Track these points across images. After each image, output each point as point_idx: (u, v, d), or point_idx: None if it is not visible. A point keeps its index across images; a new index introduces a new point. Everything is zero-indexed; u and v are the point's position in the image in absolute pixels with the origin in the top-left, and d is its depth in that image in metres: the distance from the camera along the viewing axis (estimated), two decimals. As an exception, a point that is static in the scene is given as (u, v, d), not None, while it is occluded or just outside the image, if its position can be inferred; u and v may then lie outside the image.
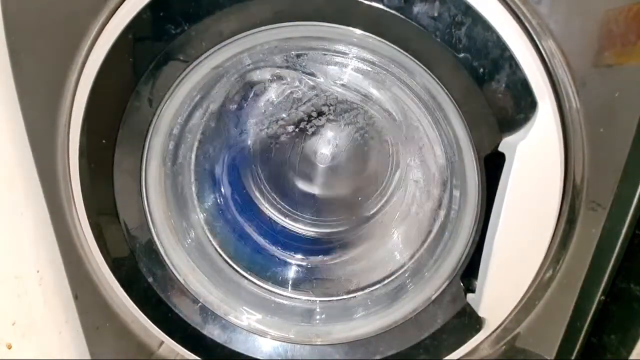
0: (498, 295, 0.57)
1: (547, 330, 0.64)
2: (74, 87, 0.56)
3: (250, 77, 0.72)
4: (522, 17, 0.47)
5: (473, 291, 0.59)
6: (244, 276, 0.79)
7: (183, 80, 0.57)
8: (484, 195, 0.55)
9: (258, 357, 0.71)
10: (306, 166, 0.86)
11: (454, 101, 0.51)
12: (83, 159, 0.58)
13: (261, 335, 0.72)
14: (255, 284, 0.79)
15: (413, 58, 0.50)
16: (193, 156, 0.75)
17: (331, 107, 0.76)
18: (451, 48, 0.47)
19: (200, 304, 0.71)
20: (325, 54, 0.64)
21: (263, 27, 0.52)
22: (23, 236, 0.66)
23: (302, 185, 0.88)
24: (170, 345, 0.71)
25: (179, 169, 0.72)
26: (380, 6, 0.47)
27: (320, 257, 0.86)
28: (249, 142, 0.83)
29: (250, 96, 0.76)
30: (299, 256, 0.86)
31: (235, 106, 0.76)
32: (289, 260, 0.85)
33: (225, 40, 0.53)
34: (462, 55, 0.47)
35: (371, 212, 0.87)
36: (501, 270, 0.54)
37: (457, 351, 0.65)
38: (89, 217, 0.62)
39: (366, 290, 0.77)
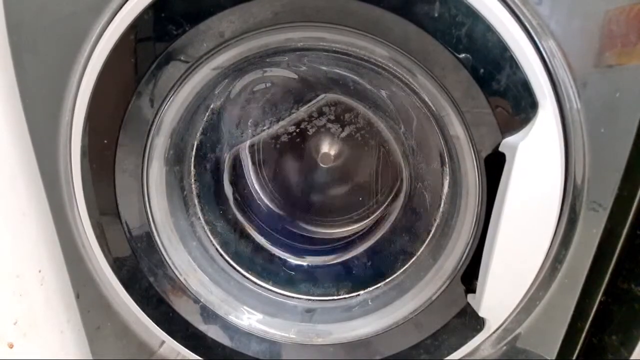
0: (499, 296, 0.57)
1: (548, 331, 0.64)
2: (76, 87, 0.56)
3: (251, 77, 0.72)
4: (522, 18, 0.47)
5: (474, 291, 0.59)
6: (244, 276, 0.79)
7: (184, 81, 0.57)
8: (485, 196, 0.55)
9: (258, 357, 0.71)
10: (307, 166, 0.86)
11: (454, 101, 0.52)
12: (85, 159, 0.59)
13: (262, 335, 0.72)
14: (256, 283, 0.79)
15: (413, 58, 0.51)
16: (194, 156, 0.75)
17: (332, 108, 0.76)
18: (451, 48, 0.47)
19: (201, 304, 0.71)
20: (325, 55, 0.64)
21: (264, 28, 0.52)
22: (25, 236, 0.66)
23: (303, 185, 0.89)
24: (171, 344, 0.71)
25: (180, 168, 0.73)
26: (380, 7, 0.47)
27: (320, 257, 0.86)
28: (250, 142, 0.83)
29: (251, 96, 0.76)
30: (299, 256, 0.86)
31: (236, 106, 0.76)
32: (289, 260, 0.85)
33: (226, 41, 0.53)
34: (462, 55, 0.48)
35: (372, 212, 0.87)
36: (502, 270, 0.54)
37: (457, 351, 0.65)
38: (90, 217, 0.63)
39: (366, 290, 0.77)
